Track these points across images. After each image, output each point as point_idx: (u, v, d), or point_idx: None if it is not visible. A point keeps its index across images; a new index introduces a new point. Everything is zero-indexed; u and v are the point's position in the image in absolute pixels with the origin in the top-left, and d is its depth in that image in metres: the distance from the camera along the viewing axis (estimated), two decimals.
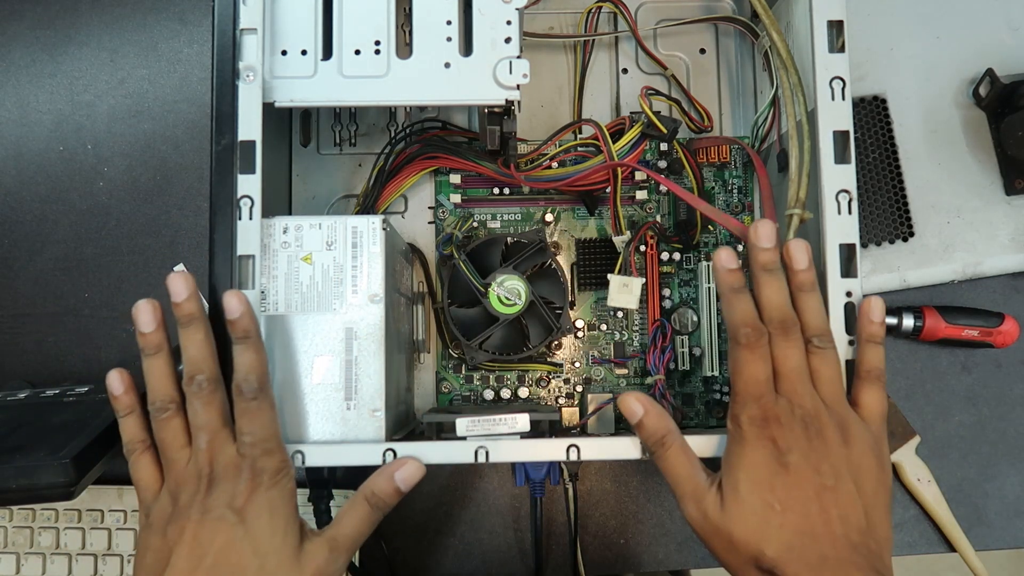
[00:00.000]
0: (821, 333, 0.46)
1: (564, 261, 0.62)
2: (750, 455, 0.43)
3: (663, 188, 0.61)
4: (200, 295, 0.46)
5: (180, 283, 0.45)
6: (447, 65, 0.50)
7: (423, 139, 0.61)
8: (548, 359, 0.61)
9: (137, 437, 0.46)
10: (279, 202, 0.59)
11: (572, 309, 0.61)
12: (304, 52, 0.50)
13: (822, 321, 0.47)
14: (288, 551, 0.43)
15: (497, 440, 0.48)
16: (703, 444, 0.47)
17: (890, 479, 0.46)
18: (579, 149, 0.59)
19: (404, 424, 0.56)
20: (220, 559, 0.42)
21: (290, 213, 0.62)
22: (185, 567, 0.42)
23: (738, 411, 0.44)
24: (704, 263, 0.60)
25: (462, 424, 0.48)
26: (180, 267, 0.65)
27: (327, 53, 0.50)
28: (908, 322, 0.62)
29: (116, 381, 0.46)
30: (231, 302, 0.45)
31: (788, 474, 0.43)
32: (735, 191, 0.62)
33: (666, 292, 0.61)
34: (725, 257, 0.47)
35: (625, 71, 0.65)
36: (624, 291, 0.57)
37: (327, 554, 0.44)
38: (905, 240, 0.62)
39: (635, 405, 0.46)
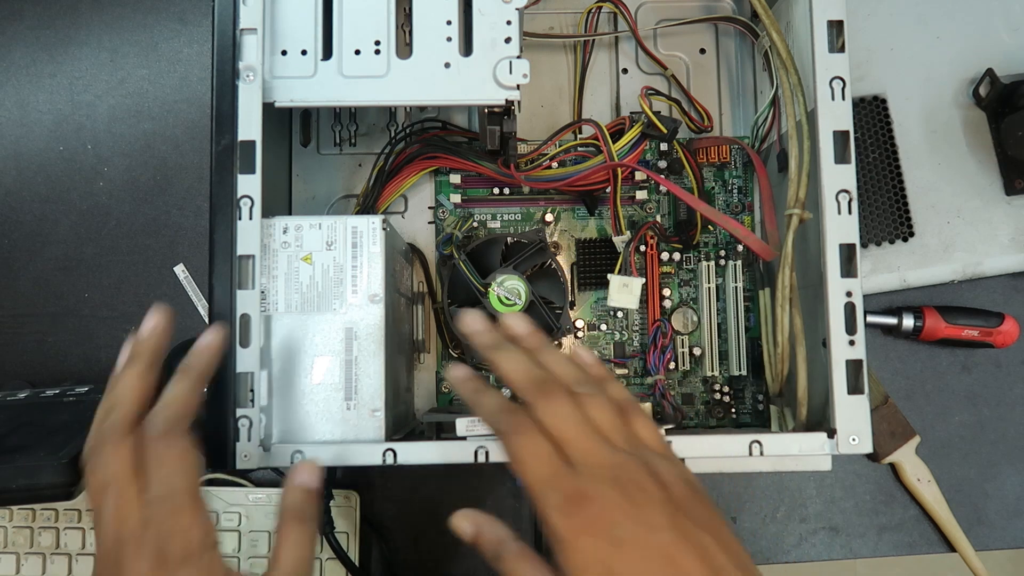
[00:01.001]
0: (580, 379, 0.40)
1: (564, 261, 0.62)
2: (576, 556, 0.35)
3: (663, 188, 0.61)
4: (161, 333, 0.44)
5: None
6: (447, 65, 0.50)
7: (423, 139, 0.61)
8: None
9: None
10: (279, 202, 0.59)
11: (572, 309, 0.61)
12: (304, 52, 0.50)
13: (573, 369, 0.41)
14: None
15: (497, 440, 0.47)
16: (704, 444, 0.47)
17: (708, 496, 0.38)
18: (579, 149, 0.59)
19: (404, 424, 0.56)
20: None
21: (290, 213, 0.62)
22: None
23: (544, 510, 0.36)
24: (704, 263, 0.60)
25: (462, 424, 0.48)
26: (179, 266, 0.65)
27: (327, 53, 0.50)
28: (908, 322, 0.62)
29: None
30: (203, 338, 0.44)
31: (625, 553, 0.34)
32: (735, 191, 0.62)
33: (666, 292, 0.61)
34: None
35: (625, 71, 0.65)
36: (624, 291, 0.57)
37: None
38: (905, 240, 0.62)
39: (464, 525, 0.40)
